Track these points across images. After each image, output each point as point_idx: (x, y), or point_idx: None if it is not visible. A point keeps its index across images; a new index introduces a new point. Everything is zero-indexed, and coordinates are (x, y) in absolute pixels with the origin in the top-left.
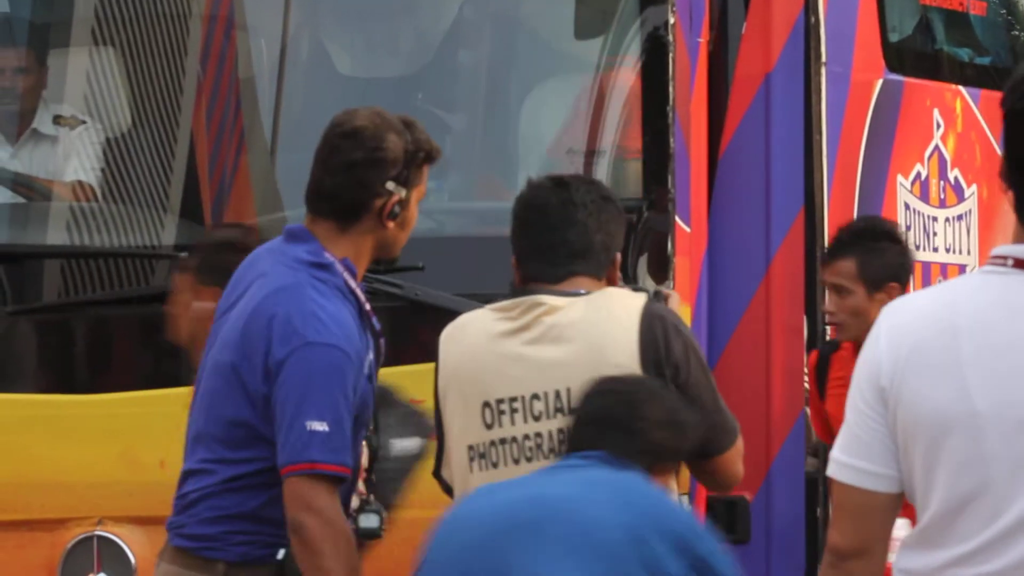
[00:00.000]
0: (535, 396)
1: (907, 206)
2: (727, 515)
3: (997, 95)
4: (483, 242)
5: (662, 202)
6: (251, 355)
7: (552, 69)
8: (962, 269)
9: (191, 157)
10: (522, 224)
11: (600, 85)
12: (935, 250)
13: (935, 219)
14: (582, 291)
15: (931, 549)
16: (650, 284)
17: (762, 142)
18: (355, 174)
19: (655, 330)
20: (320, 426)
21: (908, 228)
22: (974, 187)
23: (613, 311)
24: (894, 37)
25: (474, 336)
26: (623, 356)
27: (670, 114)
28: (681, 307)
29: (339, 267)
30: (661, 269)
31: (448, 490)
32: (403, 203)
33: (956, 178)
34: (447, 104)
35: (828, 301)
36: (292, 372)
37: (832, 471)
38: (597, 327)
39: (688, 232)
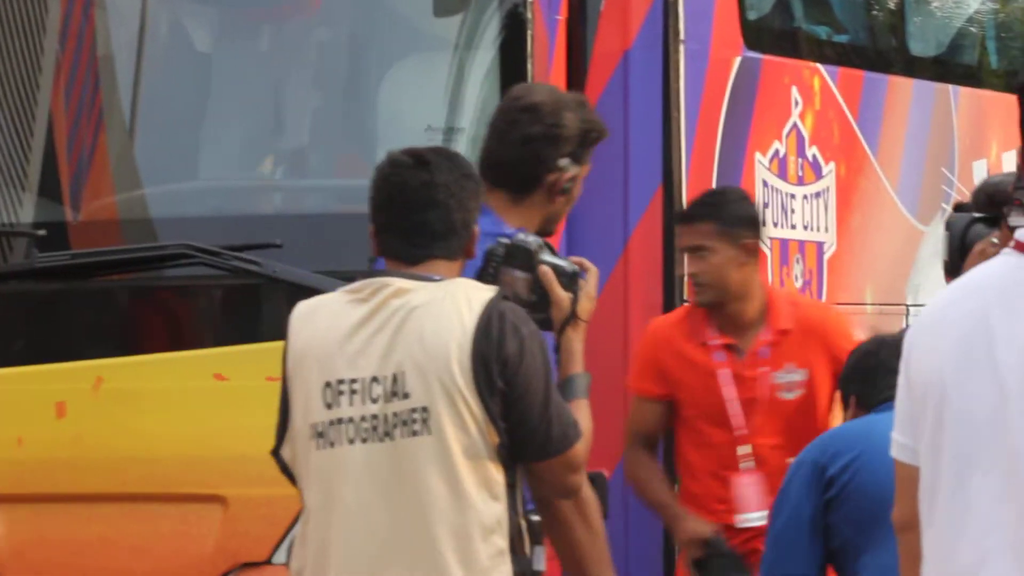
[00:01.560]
0: (375, 379)
1: (765, 183)
2: None
3: (855, 73)
4: (341, 219)
5: None
6: None
7: (411, 47)
8: (819, 247)
9: (49, 135)
10: (382, 202)
11: (459, 63)
12: (793, 227)
13: (793, 196)
14: (435, 277)
15: None
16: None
17: (620, 120)
18: (532, 148)
19: (492, 326)
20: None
21: (766, 205)
22: (832, 164)
23: (457, 301)
24: (752, 15)
25: (323, 318)
26: (454, 344)
27: None
28: (595, 286)
29: (519, 237)
30: None
31: (284, 469)
32: (573, 180)
33: (814, 156)
34: (306, 82)
35: (688, 264)
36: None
37: (891, 449)
38: (438, 315)
39: None
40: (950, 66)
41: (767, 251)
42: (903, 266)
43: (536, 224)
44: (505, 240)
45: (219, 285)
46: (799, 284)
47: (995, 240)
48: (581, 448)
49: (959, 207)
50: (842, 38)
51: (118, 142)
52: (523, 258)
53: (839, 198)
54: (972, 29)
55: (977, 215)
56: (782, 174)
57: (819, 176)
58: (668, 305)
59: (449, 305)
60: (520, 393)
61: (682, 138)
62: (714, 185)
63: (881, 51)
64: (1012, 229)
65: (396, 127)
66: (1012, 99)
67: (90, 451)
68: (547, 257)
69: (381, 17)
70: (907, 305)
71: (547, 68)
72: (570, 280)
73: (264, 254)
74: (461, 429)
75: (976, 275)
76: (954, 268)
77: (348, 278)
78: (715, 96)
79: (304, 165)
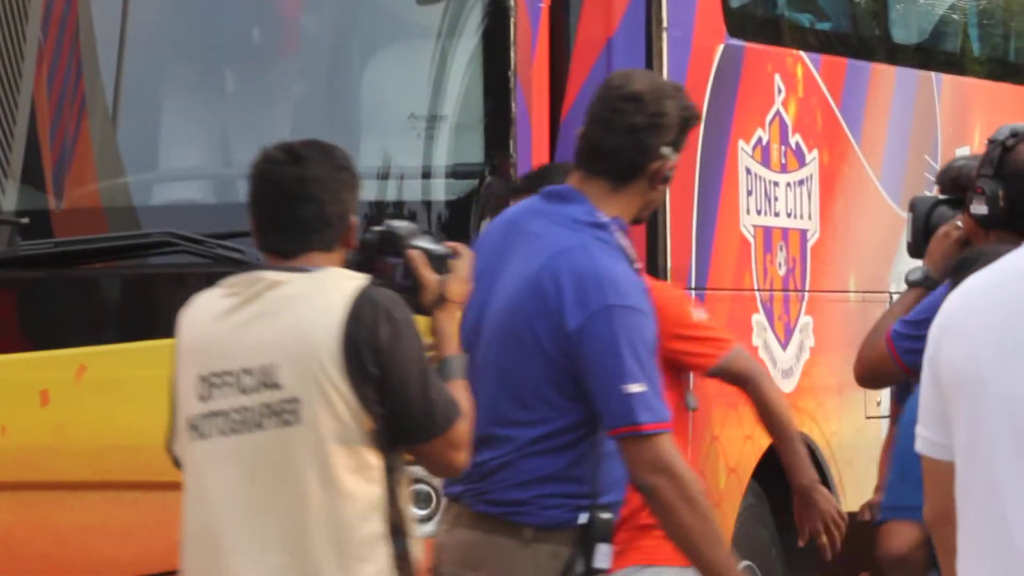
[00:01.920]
0: (245, 370)
1: (748, 171)
2: None
3: (838, 60)
4: None
5: (504, 167)
6: (541, 317)
7: (394, 35)
8: (803, 234)
9: (32, 122)
10: (257, 197)
11: (442, 50)
12: (776, 215)
13: (776, 184)
14: (309, 268)
15: None
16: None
17: None
18: (636, 137)
19: (363, 313)
20: (637, 388)
21: (750, 193)
22: (815, 152)
23: (327, 290)
24: (735, 2)
25: (200, 313)
26: (323, 333)
27: (512, 79)
28: (467, 269)
29: (613, 226)
30: None
31: (176, 463)
32: (673, 168)
33: (797, 143)
34: (288, 70)
35: None
36: (598, 337)
37: (916, 444)
38: (308, 305)
39: None
40: (933, 53)
41: (751, 239)
42: (886, 254)
43: (633, 212)
44: (377, 228)
45: (203, 273)
46: (782, 272)
47: (959, 223)
48: (463, 427)
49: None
50: (825, 25)
51: (101, 130)
52: (394, 244)
53: (822, 186)
54: (955, 16)
55: (941, 197)
56: (765, 161)
57: (802, 163)
58: None
59: (319, 295)
60: (398, 378)
61: None
62: (697, 173)
63: (864, 39)
64: (973, 216)
65: (379, 115)
66: (995, 86)
67: (73, 439)
68: (418, 242)
69: (364, 5)
70: (890, 293)
71: (530, 55)
72: (440, 263)
73: (248, 242)
74: (333, 417)
75: (1014, 261)
76: (917, 249)
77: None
78: (698, 83)
79: None
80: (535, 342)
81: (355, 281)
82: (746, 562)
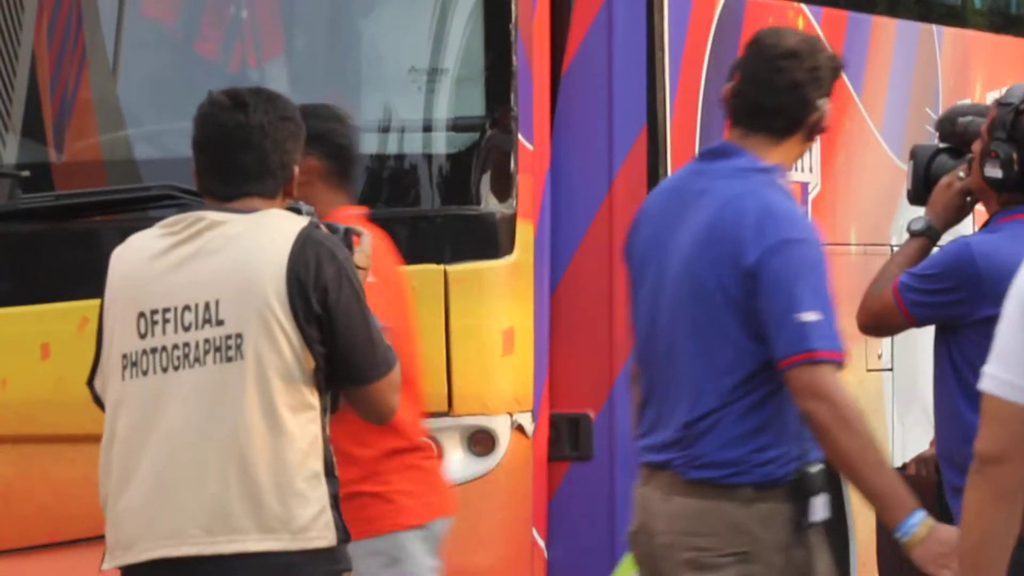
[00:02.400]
0: (186, 307)
1: None
2: (570, 432)
3: (839, 12)
4: None
5: (505, 120)
6: (723, 262)
7: None
8: (804, 187)
9: (32, 75)
10: (200, 142)
11: (443, 3)
12: None
13: None
14: (249, 210)
15: None
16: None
17: (605, 60)
18: (799, 93)
19: (307, 253)
20: (813, 316)
21: None
22: None
23: (270, 230)
24: None
25: (137, 251)
26: (268, 271)
27: (512, 32)
28: (369, 245)
29: (777, 171)
30: (504, 187)
31: (96, 399)
32: (827, 117)
33: None
34: (288, 23)
35: None
36: (776, 270)
37: (982, 383)
38: (250, 244)
39: (531, 150)
40: (934, 6)
41: None
42: (888, 206)
43: (790, 161)
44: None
45: None
46: None
47: (961, 174)
48: (399, 371)
49: None
50: None
51: (102, 82)
52: None
53: (823, 138)
54: None
55: (942, 146)
56: None
57: None
58: None
59: (262, 234)
60: (343, 319)
61: (666, 79)
62: (699, 126)
63: None
64: (987, 179)
65: (379, 68)
66: (996, 39)
67: (74, 392)
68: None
69: None
70: (891, 245)
71: (531, 8)
72: (344, 236)
73: None
74: (276, 354)
75: None
76: (917, 197)
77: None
78: (699, 36)
79: None
80: (721, 289)
81: (297, 222)
82: None
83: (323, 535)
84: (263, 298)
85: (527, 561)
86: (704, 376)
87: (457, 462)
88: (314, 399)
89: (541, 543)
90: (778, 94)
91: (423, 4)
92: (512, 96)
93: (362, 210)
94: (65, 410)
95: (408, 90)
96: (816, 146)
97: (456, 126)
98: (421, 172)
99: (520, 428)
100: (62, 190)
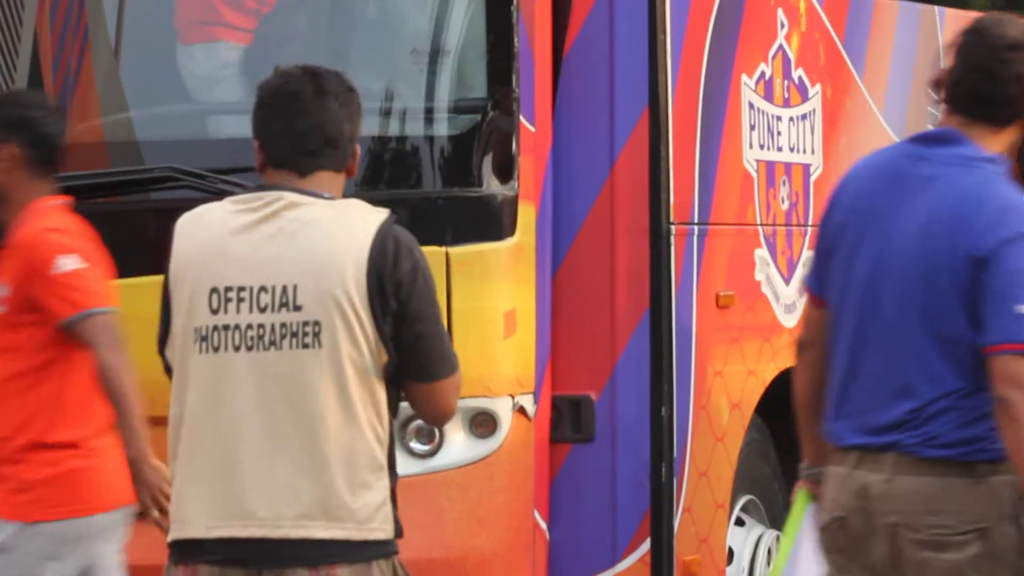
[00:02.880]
0: (263, 288)
1: (751, 105)
2: (572, 414)
3: None
4: None
5: (507, 101)
6: (956, 251)
7: None
8: (806, 169)
9: (35, 56)
10: (272, 109)
11: None
12: (779, 149)
13: (779, 119)
14: (326, 194)
15: None
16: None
17: (606, 41)
18: (1022, 84)
19: (387, 246)
20: None
21: (753, 128)
22: (818, 86)
23: (351, 220)
24: None
25: (211, 226)
26: (350, 262)
27: (514, 13)
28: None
29: (1003, 160)
30: (506, 168)
31: (167, 369)
32: None
33: (800, 77)
34: (290, 4)
35: None
36: (1007, 261)
37: None
38: (332, 232)
39: (532, 131)
40: None
41: (753, 174)
42: None
43: (1006, 150)
44: None
45: None
46: (785, 207)
47: None
48: (461, 373)
49: None
50: None
51: (104, 64)
52: None
53: (825, 120)
54: None
55: None
56: (768, 96)
57: (805, 98)
58: (654, 227)
59: (343, 223)
60: (415, 313)
61: (668, 60)
62: (700, 108)
63: None
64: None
65: (381, 50)
66: None
67: None
68: None
69: None
70: None
71: None
72: None
73: (251, 177)
74: (353, 346)
75: None
76: None
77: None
78: (701, 17)
79: None
80: (952, 277)
81: (378, 215)
82: (749, 496)
83: (383, 527)
84: (343, 289)
85: (529, 543)
86: (937, 358)
87: (459, 444)
88: (383, 394)
89: (543, 525)
90: (1003, 85)
91: None
92: (514, 77)
93: (66, 200)
94: None
95: (409, 72)
96: (818, 128)
97: (458, 108)
98: (423, 154)
99: (522, 410)
100: (63, 172)
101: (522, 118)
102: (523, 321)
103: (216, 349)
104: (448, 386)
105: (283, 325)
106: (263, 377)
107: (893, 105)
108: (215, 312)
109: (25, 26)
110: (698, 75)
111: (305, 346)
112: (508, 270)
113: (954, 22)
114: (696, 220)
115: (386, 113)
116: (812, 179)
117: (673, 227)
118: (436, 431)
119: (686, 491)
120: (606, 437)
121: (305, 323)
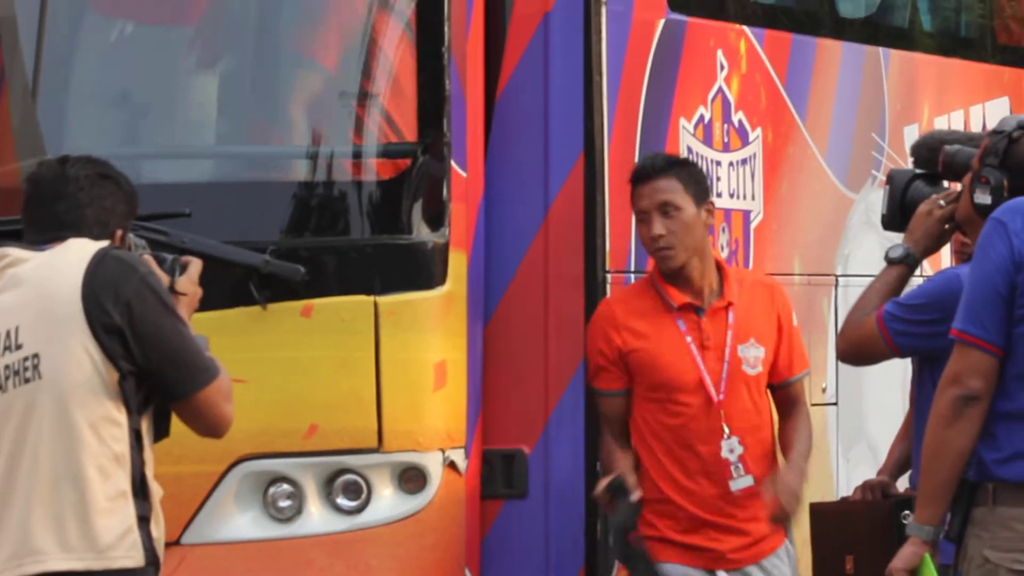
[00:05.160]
0: None
1: (690, 150)
2: (504, 469)
3: (782, 35)
4: (251, 188)
5: (437, 146)
6: None
7: (325, 8)
8: (746, 215)
9: None
10: (24, 198)
11: (374, 25)
12: (719, 195)
13: (719, 163)
14: (51, 246)
15: None
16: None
17: (540, 84)
18: None
19: (105, 268)
20: None
21: None
22: (759, 130)
23: (68, 255)
24: None
25: None
26: (65, 291)
27: (445, 55)
28: (197, 272)
29: None
30: (436, 215)
31: None
32: None
33: (740, 121)
34: (216, 46)
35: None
36: None
37: None
38: (49, 270)
39: (464, 177)
40: (880, 28)
41: None
42: (832, 235)
43: None
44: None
45: None
46: (725, 254)
47: (942, 203)
48: (226, 377)
49: None
50: None
51: (21, 108)
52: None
53: (766, 165)
54: None
55: (918, 171)
56: (707, 140)
57: (745, 142)
58: (589, 276)
59: (61, 258)
60: (153, 331)
61: (604, 104)
62: (637, 152)
63: (809, 12)
64: (975, 205)
65: (309, 92)
66: (944, 61)
67: None
68: (147, 253)
69: None
70: (836, 275)
71: (464, 31)
72: (170, 265)
73: (173, 224)
74: (76, 369)
75: None
76: (892, 222)
77: (258, 248)
78: (638, 60)
79: (213, 132)
80: None
81: (96, 245)
82: None
83: (130, 555)
84: (59, 315)
85: None
86: None
87: (387, 500)
88: (120, 416)
89: None
90: None
91: (353, 26)
92: (445, 121)
93: None
94: None
95: (337, 115)
96: (759, 173)
97: (387, 152)
98: (351, 200)
99: (452, 465)
100: None
101: (453, 163)
102: (454, 372)
103: None
104: (210, 397)
105: (7, 367)
106: (1, 421)
107: (836, 150)
108: None
109: None
110: (635, 119)
111: (27, 380)
112: (439, 320)
113: (899, 64)
114: (633, 268)
115: (313, 157)
116: (752, 225)
117: (609, 275)
118: (364, 486)
119: None
120: (539, 492)
121: (25, 359)
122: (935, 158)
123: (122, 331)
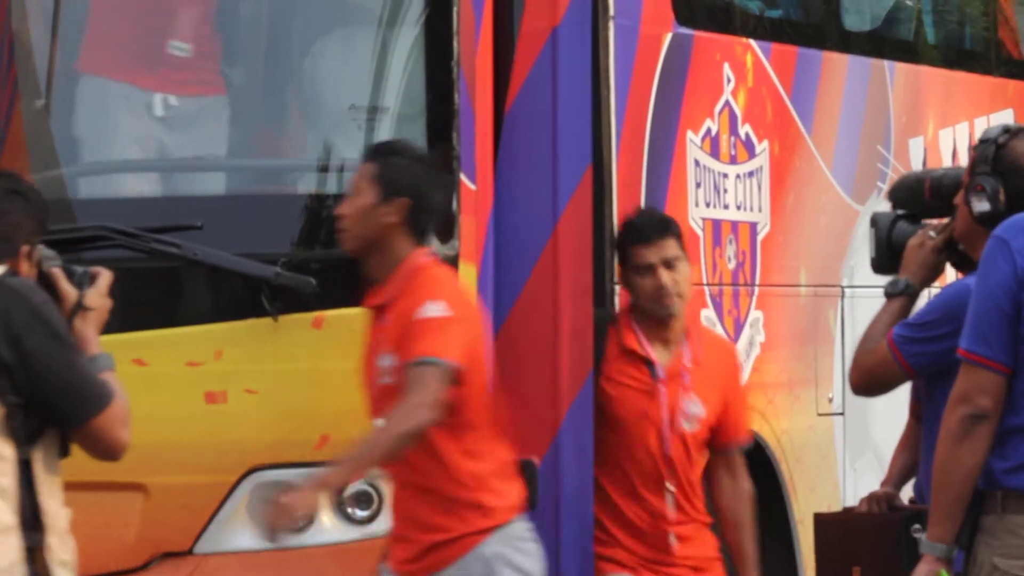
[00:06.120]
0: None
1: (697, 163)
2: None
3: (788, 49)
4: (262, 200)
5: (446, 159)
6: None
7: (335, 22)
8: (753, 227)
9: None
10: None
11: (384, 39)
12: (725, 207)
13: (726, 176)
14: None
15: None
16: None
17: (549, 98)
18: None
19: None
20: None
21: (699, 185)
22: (765, 143)
23: None
24: None
25: None
26: None
27: (455, 69)
28: (106, 284)
29: None
30: (446, 228)
31: None
32: None
33: (747, 134)
34: (227, 58)
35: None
36: None
37: None
38: None
39: (473, 190)
40: (886, 41)
41: (699, 232)
42: (838, 247)
43: None
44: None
45: (138, 268)
46: (732, 265)
47: (932, 233)
48: (121, 403)
49: None
50: (775, 13)
51: (34, 120)
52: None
53: (773, 177)
54: (908, 2)
55: (899, 212)
56: (714, 153)
57: (752, 155)
58: (598, 288)
59: None
60: (42, 363)
61: (612, 117)
62: (645, 165)
63: (815, 26)
64: (975, 214)
65: (319, 106)
66: (949, 74)
67: None
68: (56, 265)
69: None
70: (842, 287)
71: (473, 45)
72: (79, 279)
73: (184, 236)
74: None
75: None
76: (882, 265)
77: (268, 259)
78: (646, 73)
79: (225, 145)
80: None
81: None
82: None
83: None
84: None
85: None
86: None
87: None
88: (7, 449)
89: None
90: None
91: (363, 41)
92: (454, 135)
93: None
94: None
95: (348, 128)
96: (765, 185)
97: None
98: None
99: None
100: None
101: (463, 176)
102: None
103: None
104: (103, 423)
105: None
106: None
107: (842, 162)
108: None
109: None
110: (643, 132)
111: None
112: None
113: (904, 77)
114: None
115: (323, 170)
116: (759, 237)
117: (617, 287)
118: (375, 495)
119: None
120: (549, 503)
121: None
122: (914, 197)
123: (11, 365)
